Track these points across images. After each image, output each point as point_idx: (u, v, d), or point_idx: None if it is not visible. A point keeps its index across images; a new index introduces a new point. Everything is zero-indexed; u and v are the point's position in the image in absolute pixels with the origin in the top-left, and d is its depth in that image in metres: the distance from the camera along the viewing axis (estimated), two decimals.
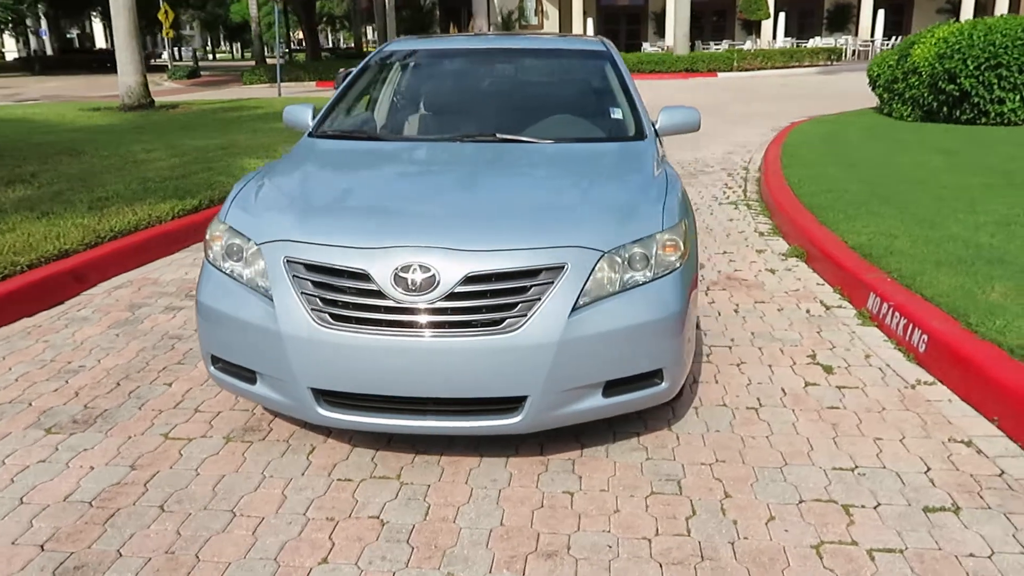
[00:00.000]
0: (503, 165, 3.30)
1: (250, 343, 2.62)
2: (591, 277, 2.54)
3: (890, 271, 4.43)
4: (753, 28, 35.17)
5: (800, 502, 2.56)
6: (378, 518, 2.48)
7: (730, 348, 3.85)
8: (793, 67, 30.06)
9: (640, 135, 3.57)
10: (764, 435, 2.99)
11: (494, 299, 2.46)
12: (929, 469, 2.74)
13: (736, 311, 4.37)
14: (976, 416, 3.11)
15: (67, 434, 3.02)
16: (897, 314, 3.92)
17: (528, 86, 4.16)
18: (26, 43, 45.72)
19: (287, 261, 2.59)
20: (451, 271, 2.46)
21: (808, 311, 4.35)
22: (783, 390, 3.38)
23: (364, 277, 2.49)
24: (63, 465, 2.79)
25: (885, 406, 3.22)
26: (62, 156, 8.46)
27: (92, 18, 65.98)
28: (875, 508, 2.52)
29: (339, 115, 3.82)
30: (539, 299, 2.47)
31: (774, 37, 34.90)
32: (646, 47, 34.88)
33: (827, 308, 4.40)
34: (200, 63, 40.65)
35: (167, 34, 34.16)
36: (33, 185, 6.89)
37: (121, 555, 2.30)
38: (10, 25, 36.14)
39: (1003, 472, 2.71)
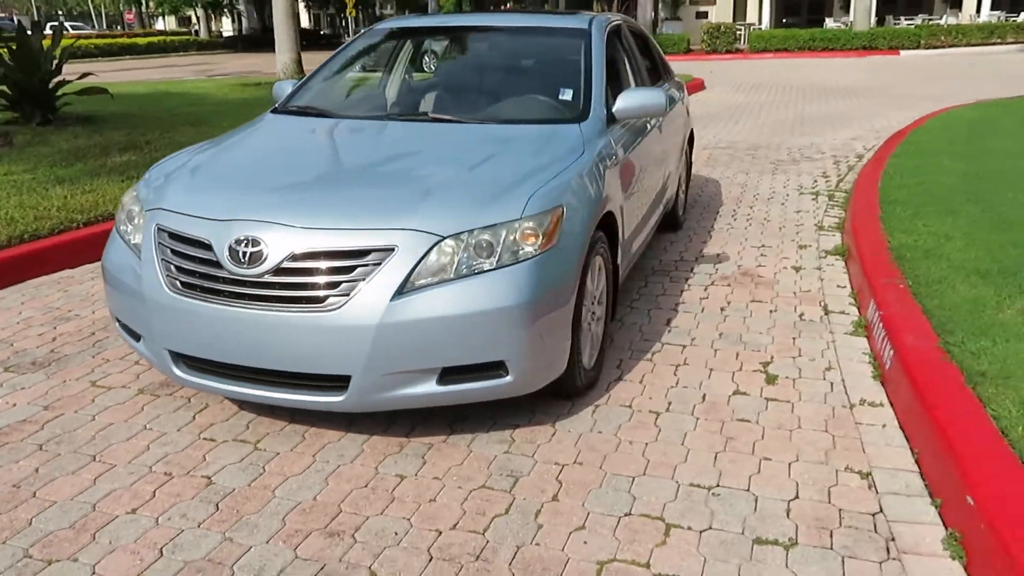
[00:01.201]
0: (404, 146, 3.28)
1: (129, 304, 2.81)
2: (423, 261, 2.49)
3: (909, 276, 3.95)
4: (953, 0, 31.71)
5: (625, 515, 2.39)
6: (209, 478, 2.60)
7: (683, 348, 3.61)
8: (993, 44, 26.84)
9: (580, 118, 3.40)
10: (644, 441, 2.81)
11: (319, 277, 2.48)
12: (796, 498, 2.46)
13: (722, 309, 4.07)
14: (901, 447, 2.74)
15: (19, 373, 3.39)
16: (882, 325, 3.50)
17: (491, 66, 4.06)
18: (238, 22, 50.07)
19: (156, 228, 2.75)
20: (279, 247, 2.51)
21: (802, 315, 3.98)
22: (703, 397, 3.14)
23: (207, 247, 2.60)
24: None
25: (803, 425, 2.91)
26: (185, 126, 9.29)
27: None
28: (701, 532, 2.31)
29: (308, 92, 3.94)
30: (363, 280, 2.46)
31: (978, 11, 31.24)
32: (828, 23, 32.47)
33: (826, 313, 4.00)
34: None
35: (350, 13, 36.26)
36: (142, 151, 7.64)
37: None
38: (220, 4, 39.81)
39: (879, 511, 2.38)
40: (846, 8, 33.91)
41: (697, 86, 15.81)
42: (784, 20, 35.09)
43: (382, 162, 3.10)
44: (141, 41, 35.71)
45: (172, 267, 2.66)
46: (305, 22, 50.96)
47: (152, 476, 2.61)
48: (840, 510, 2.39)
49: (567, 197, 2.80)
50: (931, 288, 3.76)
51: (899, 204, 5.48)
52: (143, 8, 53.48)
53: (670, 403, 3.09)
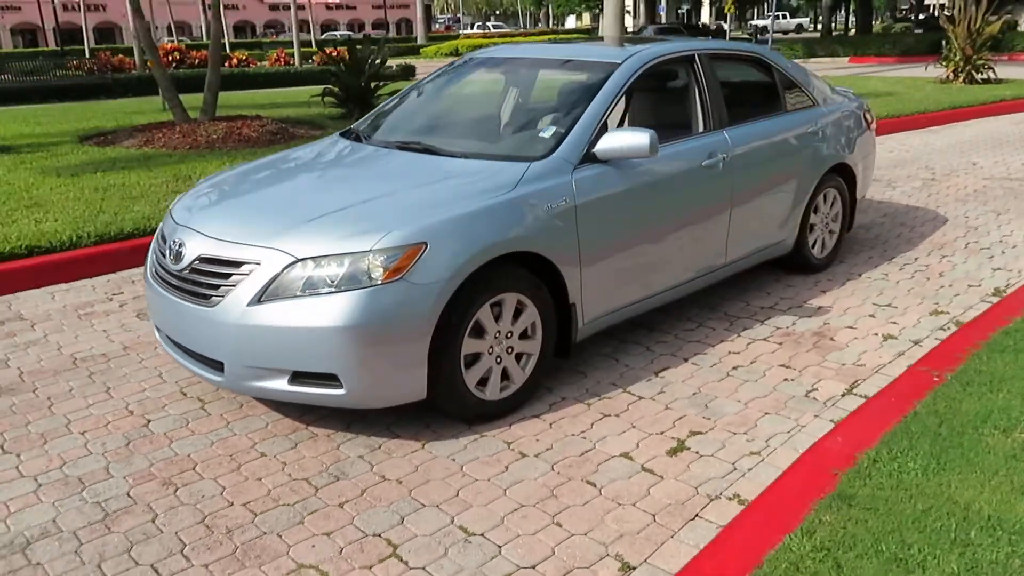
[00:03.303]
0: (352, 172, 3.68)
1: None
2: (278, 277, 2.92)
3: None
4: None
5: (375, 535, 2.59)
6: (148, 421, 3.35)
7: (636, 401, 3.47)
8: None
9: (540, 156, 3.44)
10: (486, 477, 2.90)
11: (210, 278, 3.06)
12: (543, 561, 2.41)
13: (734, 369, 3.76)
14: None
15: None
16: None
17: (515, 97, 4.13)
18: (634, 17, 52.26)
19: (161, 226, 3.57)
20: (193, 250, 3.13)
21: (810, 391, 3.51)
22: (584, 452, 3.06)
23: (164, 243, 3.33)
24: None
25: (634, 507, 2.73)
26: None
27: None
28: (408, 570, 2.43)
29: (373, 116, 4.48)
30: (235, 286, 2.98)
31: None
32: None
33: (844, 395, 3.47)
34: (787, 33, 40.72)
35: (729, 9, 35.80)
36: None
37: None
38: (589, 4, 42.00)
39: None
40: None
41: None
42: None
43: (315, 186, 3.57)
44: (498, 41, 39.34)
45: (154, 258, 3.45)
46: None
47: (121, 412, 3.45)
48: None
49: (439, 235, 2.98)
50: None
51: None
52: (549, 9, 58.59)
53: (547, 448, 3.09)
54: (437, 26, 78.87)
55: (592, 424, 3.29)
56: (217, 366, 3.10)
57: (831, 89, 5.27)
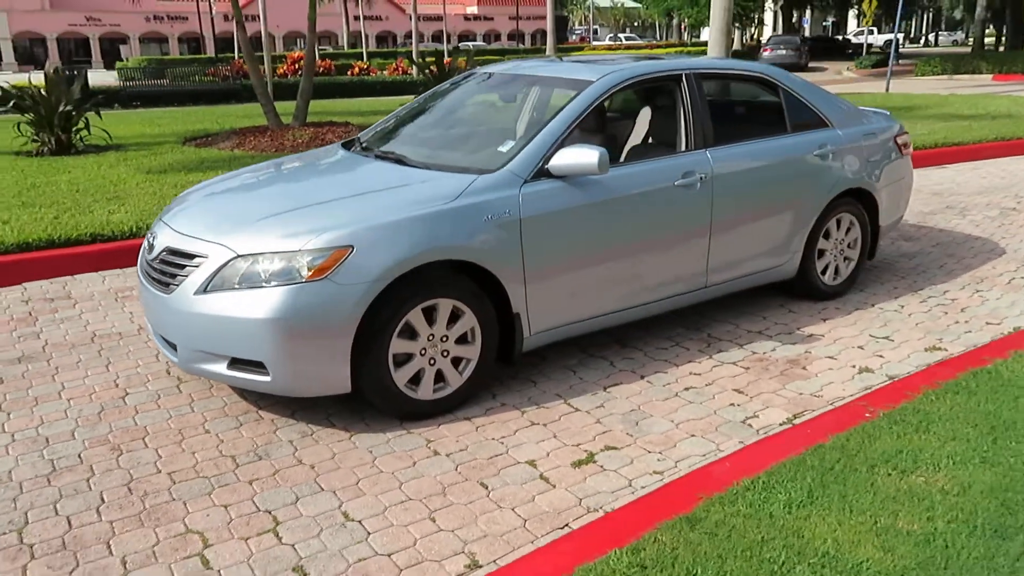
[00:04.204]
0: (331, 178, 3.94)
1: None
2: (221, 270, 3.21)
3: None
4: None
5: (257, 513, 2.82)
6: (125, 393, 3.74)
7: (568, 414, 3.54)
8: None
9: (489, 170, 3.57)
10: (391, 471, 3.08)
11: (171, 268, 3.39)
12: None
13: (681, 393, 3.74)
14: None
15: None
16: None
17: (494, 112, 4.24)
18: (744, 36, 50.58)
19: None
20: (161, 242, 3.49)
21: (749, 418, 3.46)
22: (493, 457, 3.18)
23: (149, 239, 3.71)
24: None
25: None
26: None
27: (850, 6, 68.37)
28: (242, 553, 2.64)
29: (380, 125, 4.73)
30: (187, 277, 3.30)
31: None
32: None
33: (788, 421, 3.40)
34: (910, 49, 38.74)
35: (867, 23, 34.16)
36: None
37: None
38: (740, 18, 41.01)
39: None
40: None
41: None
42: None
43: (281, 189, 3.86)
44: (622, 53, 38.95)
45: (142, 251, 3.85)
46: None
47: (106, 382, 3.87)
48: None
49: (367, 240, 3.18)
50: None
51: None
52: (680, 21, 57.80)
53: (461, 449, 3.23)
54: (573, 37, 79.45)
55: (516, 431, 3.39)
56: (174, 348, 3.44)
57: (856, 111, 5.07)
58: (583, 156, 3.55)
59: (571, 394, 3.73)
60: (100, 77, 20.20)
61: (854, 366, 3.98)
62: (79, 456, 3.19)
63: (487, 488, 2.96)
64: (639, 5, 68.67)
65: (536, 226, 3.56)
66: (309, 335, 3.14)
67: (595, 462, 3.13)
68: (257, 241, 3.24)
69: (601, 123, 4.27)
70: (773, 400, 3.63)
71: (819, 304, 4.89)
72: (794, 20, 71.24)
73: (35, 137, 9.27)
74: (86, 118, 9.46)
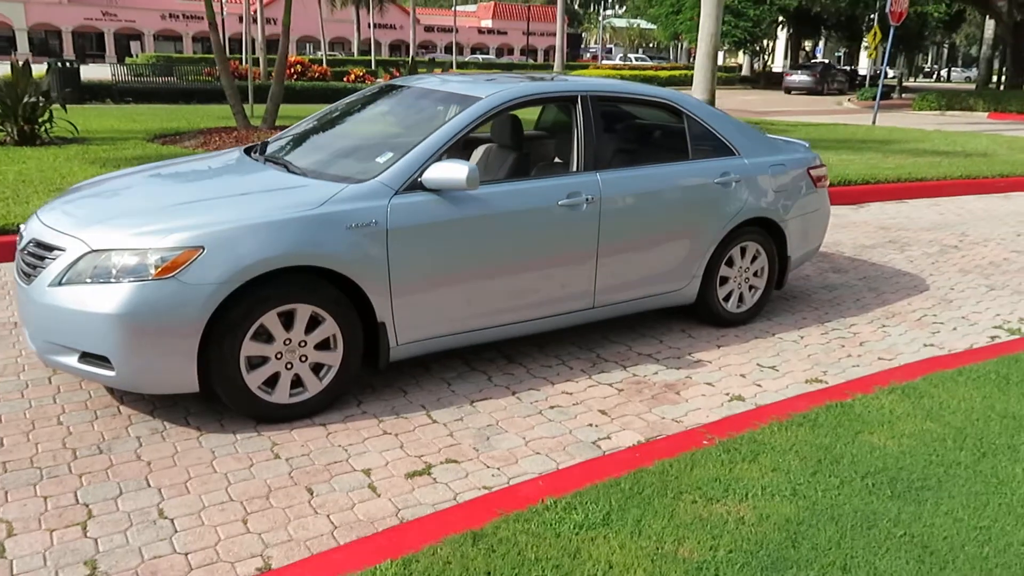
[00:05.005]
0: (213, 179, 4.03)
1: None
2: (75, 264, 3.24)
3: None
4: None
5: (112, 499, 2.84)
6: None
7: (428, 425, 3.56)
8: None
9: (361, 180, 3.61)
10: (242, 468, 3.11)
11: (32, 259, 3.43)
12: None
13: (544, 412, 3.76)
14: None
15: None
16: None
17: (388, 124, 4.30)
18: (754, 62, 50.70)
19: None
20: (29, 234, 3.53)
21: (601, 439, 3.46)
22: (350, 459, 3.20)
23: None
24: None
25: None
26: None
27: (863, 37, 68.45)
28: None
29: (287, 133, 4.78)
30: (45, 268, 3.33)
31: None
32: None
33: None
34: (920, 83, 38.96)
35: (870, 55, 34.26)
36: None
37: None
38: (746, 44, 41.20)
39: None
40: None
41: None
42: None
43: (158, 188, 3.90)
44: (663, 74, 39.19)
45: None
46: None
47: None
48: None
49: (218, 241, 3.21)
50: None
51: None
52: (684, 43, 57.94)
53: (304, 454, 3.24)
54: (588, 56, 79.84)
55: (366, 439, 3.40)
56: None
57: (767, 141, 5.10)
58: (453, 171, 3.59)
59: (436, 406, 3.74)
60: (110, 72, 20.31)
61: (727, 394, 3.99)
62: None
63: (312, 494, 2.98)
64: (655, 27, 69.07)
65: (404, 237, 3.59)
66: (154, 332, 3.16)
67: (430, 474, 3.14)
68: (111, 236, 3.28)
69: (483, 139, 4.32)
70: (633, 423, 3.64)
71: (720, 331, 4.90)
72: (807, 49, 71.35)
73: (0, 127, 9.37)
74: (51, 110, 9.56)
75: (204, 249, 3.20)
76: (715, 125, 4.78)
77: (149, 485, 2.99)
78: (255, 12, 24.00)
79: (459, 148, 4.86)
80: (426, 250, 3.66)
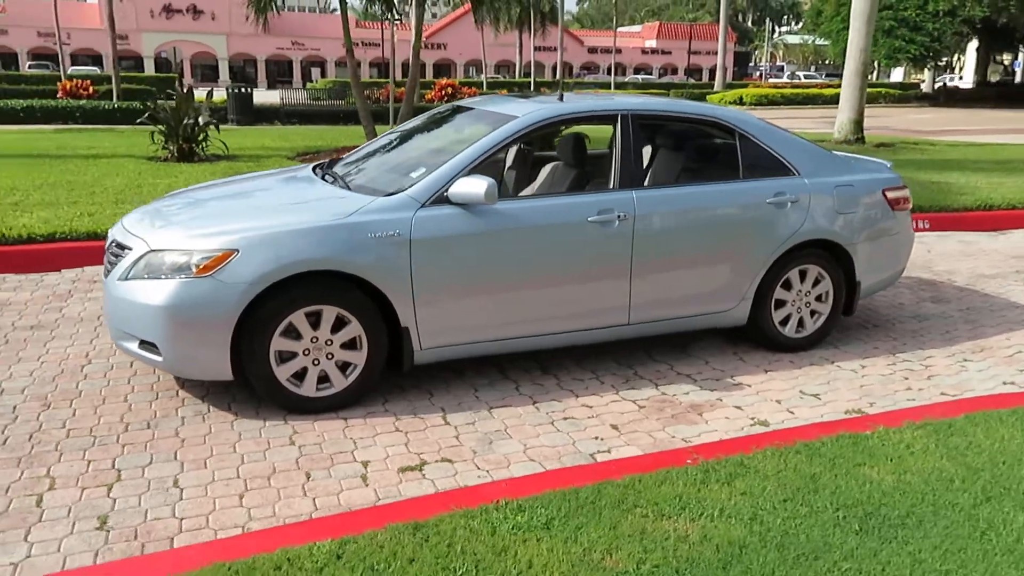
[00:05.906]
0: (272, 192, 4.46)
1: None
2: (138, 261, 3.72)
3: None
4: None
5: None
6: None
7: (434, 426, 3.75)
8: None
9: (391, 193, 3.87)
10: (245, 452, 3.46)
11: (112, 257, 3.95)
12: None
13: (556, 423, 3.84)
14: None
15: None
16: None
17: (436, 141, 4.51)
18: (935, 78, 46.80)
19: None
20: (112, 234, 4.07)
21: (600, 452, 3.50)
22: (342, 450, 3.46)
23: None
24: None
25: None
26: None
27: None
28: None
29: (358, 151, 5.14)
30: (117, 265, 3.84)
31: None
32: None
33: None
34: None
35: None
36: None
37: None
38: (925, 60, 38.27)
39: None
40: None
41: None
42: None
43: (225, 198, 4.35)
44: (827, 92, 37.28)
45: None
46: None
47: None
48: None
49: (252, 245, 3.58)
50: None
51: None
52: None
53: (317, 443, 3.53)
54: (756, 74, 77.54)
55: (377, 434, 3.64)
56: None
57: (833, 160, 4.87)
58: (473, 186, 3.78)
59: (455, 410, 3.92)
60: (279, 96, 22.51)
61: (753, 419, 3.88)
62: (13, 407, 3.80)
63: (309, 478, 3.24)
64: (827, 43, 65.82)
65: (428, 248, 3.81)
66: (192, 324, 3.57)
67: (421, 470, 3.32)
68: (167, 238, 3.74)
69: (525, 157, 4.47)
70: (640, 440, 3.64)
71: (774, 356, 4.74)
72: (1006, 63, 65.30)
73: (165, 145, 10.60)
74: (207, 131, 10.70)
75: (238, 252, 3.58)
76: (772, 144, 4.65)
77: (176, 458, 3.38)
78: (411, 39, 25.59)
79: (527, 166, 5.07)
80: (450, 260, 3.87)
